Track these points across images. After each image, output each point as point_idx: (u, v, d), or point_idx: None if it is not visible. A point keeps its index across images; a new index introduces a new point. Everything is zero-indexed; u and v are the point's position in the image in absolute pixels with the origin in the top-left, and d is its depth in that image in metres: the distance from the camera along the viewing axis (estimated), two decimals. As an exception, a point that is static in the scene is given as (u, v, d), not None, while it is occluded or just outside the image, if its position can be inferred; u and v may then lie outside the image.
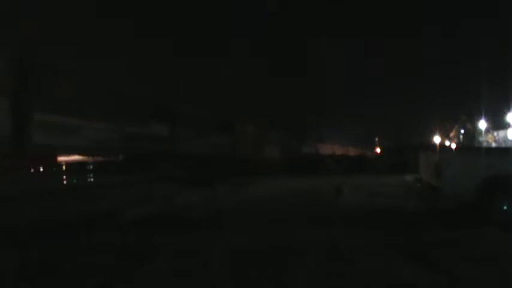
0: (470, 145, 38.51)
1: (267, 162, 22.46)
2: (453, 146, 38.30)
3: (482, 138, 40.29)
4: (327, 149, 43.10)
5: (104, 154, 11.98)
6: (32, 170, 10.17)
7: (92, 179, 11.46)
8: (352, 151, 48.20)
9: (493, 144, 37.53)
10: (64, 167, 11.16)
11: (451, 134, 46.92)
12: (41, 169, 10.41)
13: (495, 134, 40.42)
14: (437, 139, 45.87)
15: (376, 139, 54.67)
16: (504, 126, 37.51)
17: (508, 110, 34.34)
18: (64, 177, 10.85)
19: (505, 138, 36.76)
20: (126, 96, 12.64)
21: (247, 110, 29.93)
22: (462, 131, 45.45)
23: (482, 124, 40.11)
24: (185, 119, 15.82)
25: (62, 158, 10.93)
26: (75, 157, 11.29)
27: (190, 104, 18.25)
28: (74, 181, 10.92)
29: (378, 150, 49.52)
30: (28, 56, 9.50)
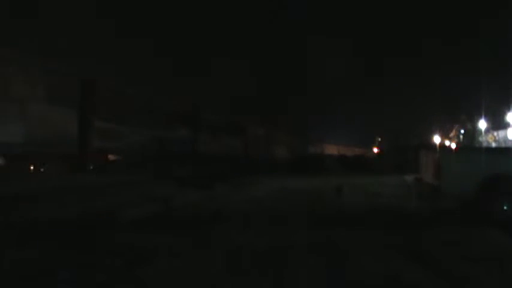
0: (470, 145, 38.50)
1: (276, 161, 23.87)
2: (453, 146, 38.30)
3: (482, 138, 40.27)
4: (332, 149, 43.49)
5: (143, 155, 13.98)
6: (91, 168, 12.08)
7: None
8: (352, 151, 48.20)
9: (493, 144, 37.51)
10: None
11: (451, 134, 46.92)
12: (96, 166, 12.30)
13: (495, 134, 40.40)
14: (437, 139, 45.86)
15: (376, 139, 54.69)
16: (504, 126, 37.50)
17: (508, 110, 34.34)
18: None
19: (505, 138, 36.75)
20: (157, 105, 15.15)
21: (258, 112, 31.69)
22: (462, 131, 45.45)
23: (482, 124, 40.10)
24: (205, 124, 18.09)
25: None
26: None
27: (207, 108, 20.29)
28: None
29: (378, 150, 49.54)
30: (89, 76, 11.93)
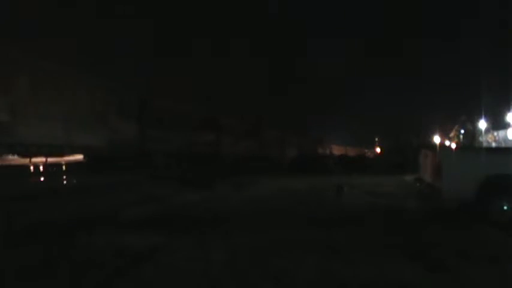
0: (470, 145, 38.51)
1: (283, 161, 25.57)
2: (453, 146, 38.30)
3: (482, 138, 40.29)
4: (340, 150, 44.20)
5: (178, 156, 16.67)
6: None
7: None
8: (352, 151, 48.24)
9: (493, 144, 37.52)
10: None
11: (451, 134, 46.95)
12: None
13: (495, 134, 40.42)
14: (437, 139, 45.89)
15: (376, 139, 54.71)
16: (504, 126, 37.52)
17: (508, 110, 34.37)
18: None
19: (505, 138, 36.77)
20: (190, 114, 18.27)
21: (270, 115, 34.47)
22: (462, 131, 45.47)
23: (482, 124, 40.13)
24: (226, 128, 20.79)
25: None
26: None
27: (227, 112, 23.26)
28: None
29: (378, 150, 49.57)
30: (142, 94, 15.56)
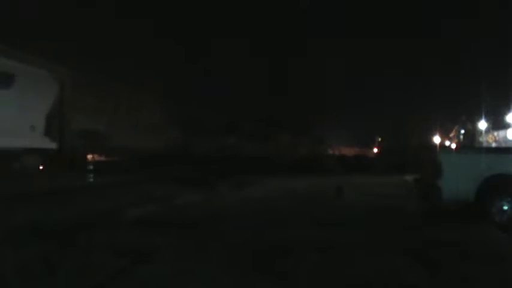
0: (470, 145, 38.51)
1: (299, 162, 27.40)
2: (453, 146, 38.30)
3: (482, 139, 40.29)
4: (340, 150, 44.85)
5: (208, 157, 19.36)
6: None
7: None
8: (352, 151, 48.26)
9: (493, 144, 37.52)
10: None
11: (451, 134, 46.95)
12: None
13: (495, 134, 40.43)
14: (437, 139, 45.90)
15: (377, 139, 54.74)
16: (504, 126, 37.53)
17: (508, 110, 34.38)
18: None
19: (505, 138, 36.78)
20: (217, 121, 21.57)
21: (284, 119, 36.86)
22: (462, 131, 45.48)
23: (482, 124, 40.13)
24: (245, 132, 24.31)
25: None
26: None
27: (244, 117, 26.85)
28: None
29: (378, 150, 49.58)
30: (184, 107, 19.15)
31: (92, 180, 12.05)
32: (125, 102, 14.42)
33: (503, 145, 34.15)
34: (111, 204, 8.40)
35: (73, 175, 11.91)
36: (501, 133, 39.00)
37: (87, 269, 4.29)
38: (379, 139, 54.33)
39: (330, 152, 39.52)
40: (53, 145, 10.73)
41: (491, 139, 40.20)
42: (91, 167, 12.67)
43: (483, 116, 38.64)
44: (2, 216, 6.72)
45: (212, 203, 9.76)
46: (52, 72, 10.74)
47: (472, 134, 42.88)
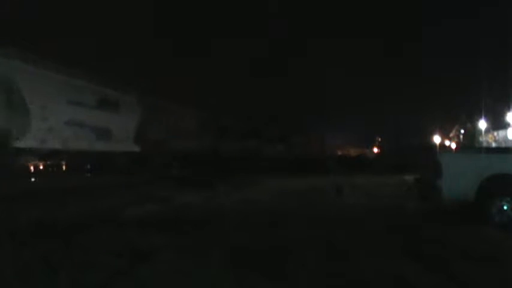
0: (470, 145, 38.47)
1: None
2: (453, 146, 38.30)
3: (482, 138, 40.26)
4: (340, 150, 45.60)
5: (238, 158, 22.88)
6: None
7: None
8: (352, 151, 48.26)
9: (493, 144, 37.50)
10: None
11: (451, 134, 46.92)
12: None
13: (495, 134, 40.39)
14: (437, 139, 45.86)
15: (376, 139, 54.75)
16: (504, 126, 37.48)
17: (508, 110, 34.33)
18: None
19: (505, 138, 36.73)
20: (244, 126, 25.38)
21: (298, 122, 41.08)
22: (462, 131, 45.45)
23: (482, 124, 40.09)
24: (266, 135, 27.67)
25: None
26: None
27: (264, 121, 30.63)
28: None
29: (378, 150, 49.61)
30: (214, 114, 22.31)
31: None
32: (174, 115, 18.18)
33: (503, 145, 34.11)
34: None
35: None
36: (501, 133, 38.93)
37: (87, 269, 4.29)
38: (379, 139, 54.35)
39: (340, 153, 40.36)
40: (138, 149, 14.90)
41: (491, 139, 40.15)
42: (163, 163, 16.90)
43: (483, 116, 38.61)
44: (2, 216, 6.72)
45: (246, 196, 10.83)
46: (137, 99, 15.11)
47: (472, 134, 42.84)
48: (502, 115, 36.37)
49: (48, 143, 10.48)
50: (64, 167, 16.69)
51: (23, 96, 9.69)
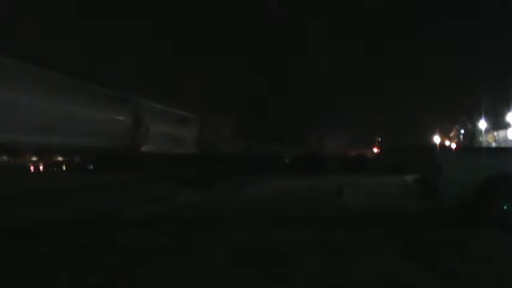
0: (470, 145, 38.46)
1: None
2: (453, 146, 38.27)
3: (482, 138, 40.28)
4: (340, 150, 47.10)
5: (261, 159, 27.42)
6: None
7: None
8: (352, 151, 48.28)
9: (493, 144, 37.50)
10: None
11: (451, 134, 46.93)
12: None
13: (495, 134, 40.42)
14: (437, 139, 45.87)
15: (376, 139, 54.74)
16: (504, 126, 37.51)
17: (508, 110, 34.35)
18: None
19: (505, 138, 36.77)
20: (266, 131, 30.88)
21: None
22: (462, 131, 45.46)
23: (482, 124, 40.11)
24: (286, 139, 32.83)
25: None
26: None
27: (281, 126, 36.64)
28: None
29: (378, 150, 49.61)
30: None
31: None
32: (219, 125, 22.05)
33: (503, 145, 34.12)
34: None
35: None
36: (501, 133, 38.98)
37: (87, 269, 4.29)
38: (379, 139, 54.34)
39: (340, 153, 42.17)
40: (196, 151, 19.47)
41: (491, 139, 40.18)
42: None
43: (483, 116, 38.63)
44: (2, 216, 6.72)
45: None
46: (196, 115, 19.82)
47: (472, 134, 42.84)
48: (502, 115, 36.40)
49: (153, 148, 15.31)
50: (64, 167, 16.74)
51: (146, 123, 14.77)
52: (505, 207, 6.47)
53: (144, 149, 14.56)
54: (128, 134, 13.63)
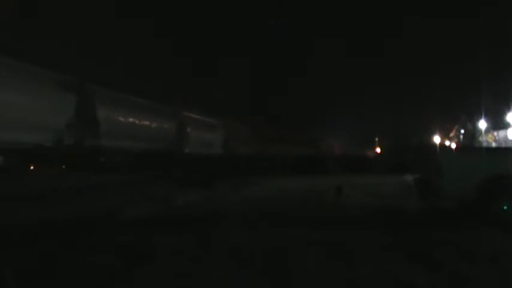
0: (470, 145, 38.45)
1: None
2: (453, 146, 38.28)
3: (482, 138, 40.26)
4: (340, 150, 47.74)
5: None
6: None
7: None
8: (352, 151, 48.23)
9: (493, 144, 37.49)
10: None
11: (451, 134, 46.90)
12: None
13: (495, 134, 40.40)
14: (437, 139, 45.85)
15: (376, 139, 54.69)
16: (504, 126, 37.49)
17: (508, 110, 34.33)
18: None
19: (505, 138, 36.75)
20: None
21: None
22: (462, 131, 45.44)
23: (482, 124, 40.09)
24: (295, 140, 35.23)
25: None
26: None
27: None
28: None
29: (378, 150, 49.60)
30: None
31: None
32: (241, 130, 26.10)
33: (503, 145, 34.11)
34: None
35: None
36: (501, 133, 38.95)
37: (87, 269, 4.29)
38: (379, 139, 54.31)
39: (340, 152, 43.20)
40: (222, 151, 22.68)
41: (491, 139, 40.15)
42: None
43: (483, 116, 38.61)
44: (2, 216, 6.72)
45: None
46: (221, 124, 23.28)
47: (472, 134, 42.82)
48: (502, 115, 36.37)
49: (192, 150, 18.84)
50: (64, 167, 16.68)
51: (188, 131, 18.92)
52: (505, 207, 6.48)
53: (186, 151, 18.54)
54: (174, 140, 17.47)
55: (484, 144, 36.82)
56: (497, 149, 21.77)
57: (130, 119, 14.98)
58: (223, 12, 65.17)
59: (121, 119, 15.05)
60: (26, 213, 7.03)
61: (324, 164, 24.77)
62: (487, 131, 40.93)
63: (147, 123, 15.70)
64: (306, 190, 12.62)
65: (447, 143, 45.14)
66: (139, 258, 4.66)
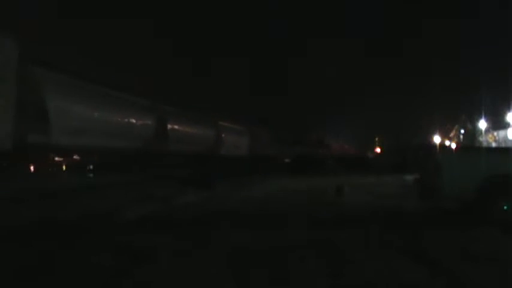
0: (470, 145, 38.48)
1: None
2: (453, 146, 38.29)
3: (482, 138, 40.30)
4: (340, 150, 48.07)
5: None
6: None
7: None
8: (352, 151, 48.27)
9: (493, 144, 37.51)
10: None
11: (451, 134, 46.96)
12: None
13: (495, 134, 40.46)
14: (437, 139, 45.90)
15: (376, 139, 54.75)
16: (504, 126, 37.52)
17: (508, 110, 34.37)
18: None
19: (505, 138, 36.80)
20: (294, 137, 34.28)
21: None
22: (462, 131, 45.49)
23: (482, 124, 40.13)
24: (308, 141, 35.98)
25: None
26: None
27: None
28: None
29: (378, 150, 49.66)
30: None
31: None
32: (262, 134, 26.81)
33: (503, 145, 34.13)
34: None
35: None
36: (501, 133, 39.01)
37: (87, 269, 4.29)
38: (379, 139, 54.35)
39: (322, 151, 43.40)
40: (246, 153, 23.62)
41: (491, 139, 40.21)
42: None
43: (483, 116, 38.65)
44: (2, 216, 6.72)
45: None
46: (247, 129, 24.29)
47: (472, 134, 42.88)
48: (502, 115, 36.41)
49: (226, 151, 20.67)
50: (64, 167, 16.74)
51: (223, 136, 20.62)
52: (505, 208, 6.47)
53: (222, 152, 20.71)
54: (212, 144, 19.62)
55: (484, 144, 36.85)
56: (497, 149, 21.77)
57: (188, 129, 17.32)
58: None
59: (188, 130, 17.74)
60: (26, 213, 7.03)
61: (324, 164, 24.88)
62: (487, 131, 40.97)
63: (196, 131, 18.42)
64: (306, 190, 12.63)
65: (447, 143, 45.18)
66: (139, 258, 4.66)
